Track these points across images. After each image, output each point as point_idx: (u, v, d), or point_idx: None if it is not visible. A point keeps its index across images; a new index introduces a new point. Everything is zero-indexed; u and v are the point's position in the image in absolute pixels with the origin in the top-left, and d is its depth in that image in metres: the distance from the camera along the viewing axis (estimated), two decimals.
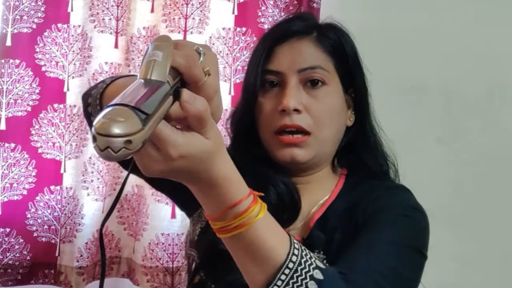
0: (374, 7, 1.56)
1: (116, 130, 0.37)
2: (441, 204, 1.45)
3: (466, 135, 1.49)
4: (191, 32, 1.48)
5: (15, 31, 1.43)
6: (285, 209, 0.76)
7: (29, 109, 1.44)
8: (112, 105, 0.39)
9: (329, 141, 0.79)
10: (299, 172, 0.81)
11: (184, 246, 0.90)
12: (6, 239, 1.42)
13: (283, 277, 0.55)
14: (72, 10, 1.48)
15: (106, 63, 1.49)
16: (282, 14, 1.48)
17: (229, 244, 0.57)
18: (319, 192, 0.81)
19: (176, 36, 1.47)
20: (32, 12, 1.44)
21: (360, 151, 0.84)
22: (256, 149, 0.80)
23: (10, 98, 1.43)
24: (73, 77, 1.48)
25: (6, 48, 1.43)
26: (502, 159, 1.47)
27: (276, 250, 0.56)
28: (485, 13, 1.49)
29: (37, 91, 1.45)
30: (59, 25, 1.47)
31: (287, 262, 0.56)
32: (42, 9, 1.45)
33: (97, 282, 1.52)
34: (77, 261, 1.46)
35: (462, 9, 1.51)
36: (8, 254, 1.42)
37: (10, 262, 1.43)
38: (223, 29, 1.49)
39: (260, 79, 0.78)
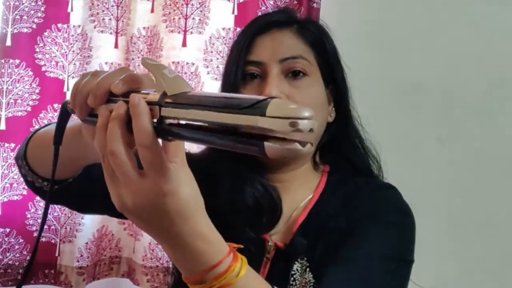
0: (374, 7, 1.56)
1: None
2: (440, 204, 1.45)
3: (466, 135, 1.49)
4: (191, 32, 1.48)
5: (15, 31, 1.43)
6: (263, 213, 0.73)
7: (29, 109, 1.44)
8: (265, 99, 0.36)
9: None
10: (279, 168, 0.78)
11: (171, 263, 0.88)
12: (6, 239, 1.42)
13: None
14: (72, 10, 1.48)
15: (106, 63, 1.49)
16: None
17: None
18: (300, 191, 0.78)
19: (176, 36, 1.48)
20: (32, 12, 1.44)
21: (342, 147, 0.81)
22: None
23: (10, 98, 1.43)
24: (73, 77, 1.48)
25: (6, 48, 1.43)
26: (502, 159, 1.47)
27: None
28: (485, 13, 1.49)
29: (37, 91, 1.45)
30: (59, 25, 1.47)
31: None
32: (42, 9, 1.45)
33: (97, 282, 1.52)
34: (77, 261, 1.46)
35: (462, 9, 1.51)
36: (8, 254, 1.42)
37: (10, 262, 1.43)
38: (223, 29, 1.49)
39: (241, 71, 0.75)
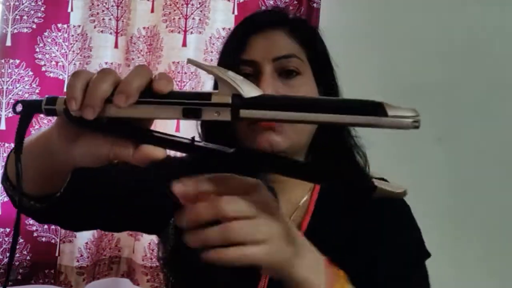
0: (374, 7, 1.56)
1: None
2: (441, 204, 1.45)
3: (466, 135, 1.49)
4: (191, 32, 1.48)
5: (15, 31, 1.43)
6: None
7: None
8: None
9: (305, 131, 0.75)
10: None
11: (158, 263, 0.85)
12: (6, 239, 1.42)
13: None
14: (72, 10, 1.48)
15: (106, 63, 1.49)
16: None
17: None
18: (295, 191, 0.77)
19: (176, 36, 1.48)
20: (32, 12, 1.44)
21: (334, 145, 0.80)
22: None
23: (10, 98, 1.43)
24: None
25: (6, 48, 1.43)
26: (502, 159, 1.47)
27: None
28: (485, 12, 1.49)
29: (37, 91, 1.45)
30: (59, 25, 1.47)
31: None
32: (42, 9, 1.45)
33: (97, 282, 1.52)
34: (77, 261, 1.46)
35: (462, 8, 1.51)
36: (8, 254, 1.42)
37: None
38: (223, 29, 1.49)
39: (234, 70, 0.75)
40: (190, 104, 0.44)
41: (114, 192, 0.73)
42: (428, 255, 0.74)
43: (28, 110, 0.50)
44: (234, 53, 0.75)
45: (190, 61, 0.47)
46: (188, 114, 0.44)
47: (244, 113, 0.43)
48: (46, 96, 0.49)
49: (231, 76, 0.44)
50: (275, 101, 0.44)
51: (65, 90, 1.48)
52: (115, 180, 0.73)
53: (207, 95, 0.44)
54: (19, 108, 0.50)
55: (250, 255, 0.47)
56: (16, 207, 0.65)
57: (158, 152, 0.46)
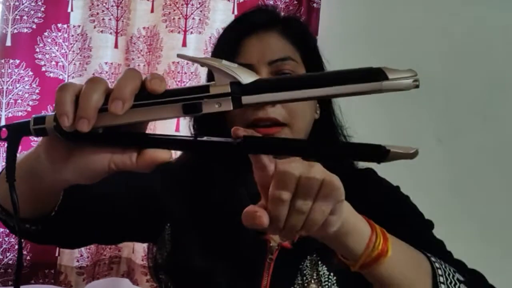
0: (374, 7, 1.56)
1: None
2: (440, 204, 1.45)
3: (466, 135, 1.49)
4: (191, 32, 1.48)
5: (15, 31, 1.43)
6: None
7: (29, 109, 1.45)
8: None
9: (302, 133, 0.76)
10: None
11: (149, 271, 0.85)
12: (6, 239, 1.42)
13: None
14: (72, 10, 1.48)
15: (106, 63, 1.49)
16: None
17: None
18: None
19: (176, 36, 1.47)
20: (32, 12, 1.45)
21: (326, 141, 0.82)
22: None
23: (10, 98, 1.43)
24: (73, 77, 1.48)
25: (6, 48, 1.43)
26: (502, 159, 1.47)
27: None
28: (485, 12, 1.49)
29: (37, 91, 1.45)
30: (59, 25, 1.47)
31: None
32: (42, 9, 1.45)
33: (97, 282, 1.52)
34: (77, 261, 1.46)
35: (461, 8, 1.51)
36: (8, 254, 1.42)
37: (10, 262, 1.42)
38: (223, 29, 1.49)
39: None
40: (189, 100, 0.42)
41: (109, 205, 0.71)
42: (432, 223, 0.80)
43: (15, 134, 0.47)
44: (229, 56, 0.74)
45: (180, 56, 0.46)
46: (189, 110, 0.42)
47: (246, 99, 0.42)
48: (33, 116, 0.46)
49: (226, 65, 0.43)
50: (275, 82, 0.43)
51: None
52: (109, 192, 0.71)
53: (205, 88, 0.43)
54: (4, 134, 0.46)
55: (331, 182, 0.48)
56: (13, 233, 0.64)
57: (163, 155, 0.44)
